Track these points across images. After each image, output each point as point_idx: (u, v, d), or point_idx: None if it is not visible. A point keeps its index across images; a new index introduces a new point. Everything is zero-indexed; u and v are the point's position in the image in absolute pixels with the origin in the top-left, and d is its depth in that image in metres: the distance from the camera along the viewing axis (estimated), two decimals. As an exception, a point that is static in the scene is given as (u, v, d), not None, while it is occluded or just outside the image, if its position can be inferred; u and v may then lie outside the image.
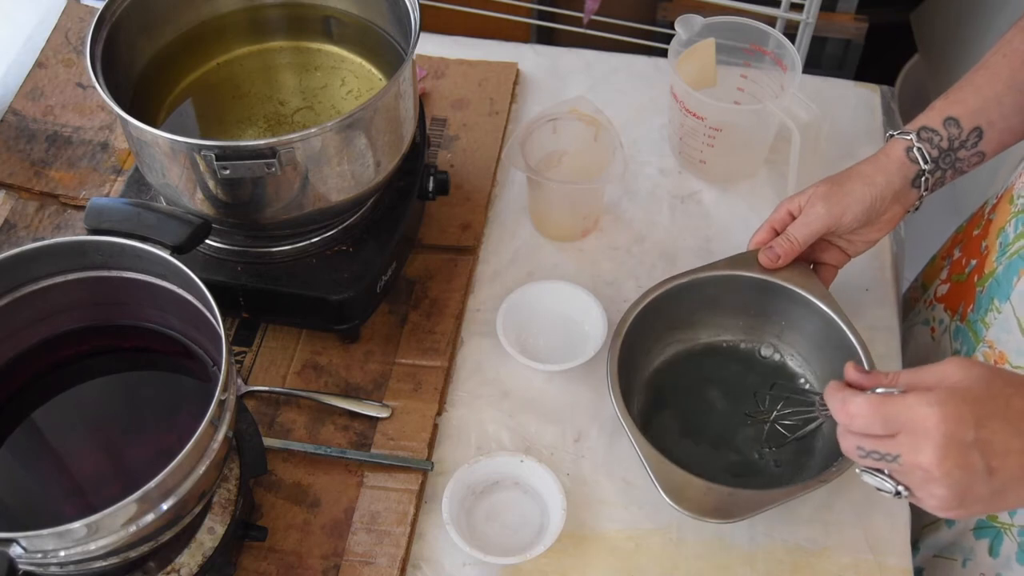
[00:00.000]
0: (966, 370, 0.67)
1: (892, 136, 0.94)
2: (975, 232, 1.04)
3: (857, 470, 0.73)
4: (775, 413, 0.95)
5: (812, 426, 0.93)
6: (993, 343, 0.93)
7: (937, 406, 0.65)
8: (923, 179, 0.93)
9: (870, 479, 0.71)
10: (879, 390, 0.70)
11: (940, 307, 1.06)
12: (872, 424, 0.68)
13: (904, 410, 0.67)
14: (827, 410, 0.74)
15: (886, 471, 0.70)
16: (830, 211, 0.93)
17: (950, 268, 1.07)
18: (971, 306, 0.99)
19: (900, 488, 0.70)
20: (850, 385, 0.73)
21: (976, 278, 0.99)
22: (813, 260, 0.99)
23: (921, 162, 0.92)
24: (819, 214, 0.94)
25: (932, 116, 0.93)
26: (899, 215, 0.95)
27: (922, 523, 1.01)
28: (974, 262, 1.01)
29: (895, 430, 0.68)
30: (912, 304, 1.16)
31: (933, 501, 0.68)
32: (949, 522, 0.98)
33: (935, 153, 0.92)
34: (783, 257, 0.96)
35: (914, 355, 1.08)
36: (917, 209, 0.97)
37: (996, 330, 0.93)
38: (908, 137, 0.93)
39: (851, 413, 0.70)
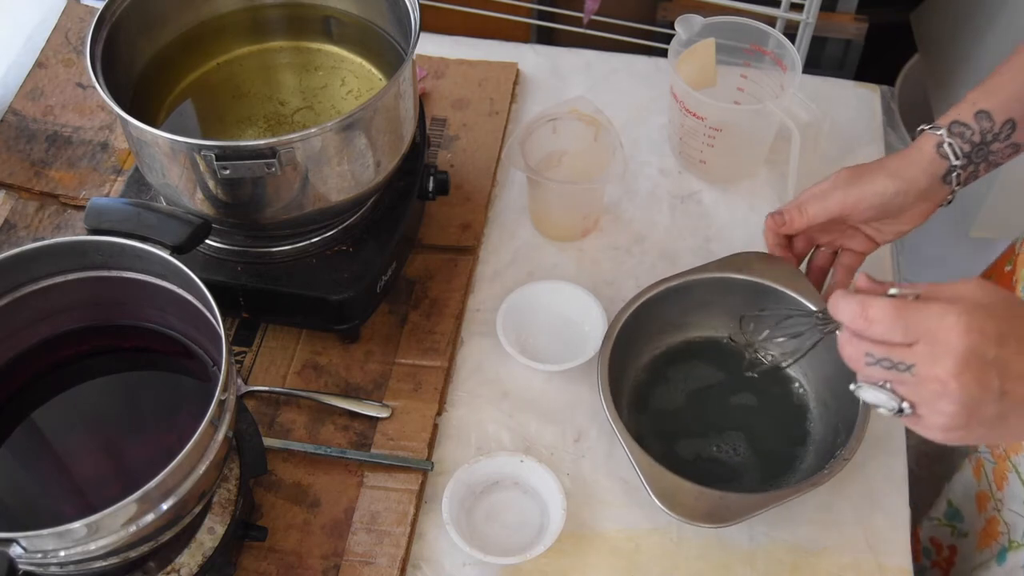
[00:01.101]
0: (986, 290, 0.65)
1: (923, 130, 0.91)
2: (1007, 268, 1.02)
3: (852, 386, 0.69)
4: (760, 338, 0.93)
5: (802, 353, 0.88)
6: None
7: (964, 316, 0.63)
8: (954, 175, 0.90)
9: (868, 394, 0.67)
10: (892, 291, 0.67)
11: None
12: (893, 330, 0.65)
13: (928, 318, 0.64)
14: (826, 326, 0.70)
15: (888, 385, 0.67)
16: (845, 198, 0.92)
17: None
18: None
19: (904, 405, 0.66)
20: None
21: None
22: (840, 246, 0.98)
23: (952, 158, 0.89)
24: (835, 197, 0.92)
25: (964, 109, 0.90)
26: (928, 211, 0.93)
27: (971, 565, 1.00)
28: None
29: (915, 338, 0.64)
30: None
31: (940, 419, 0.65)
32: (1000, 559, 0.96)
33: (967, 148, 0.89)
34: (788, 224, 0.95)
35: None
36: (950, 203, 0.93)
37: None
38: (939, 132, 0.90)
39: (871, 318, 0.65)
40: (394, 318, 1.03)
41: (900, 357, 0.65)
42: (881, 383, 0.67)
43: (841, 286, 0.99)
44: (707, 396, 0.98)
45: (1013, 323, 0.64)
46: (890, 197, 0.91)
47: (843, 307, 0.67)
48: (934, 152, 0.90)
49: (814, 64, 1.91)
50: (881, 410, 0.68)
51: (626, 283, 1.07)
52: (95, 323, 0.86)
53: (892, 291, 0.67)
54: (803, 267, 1.01)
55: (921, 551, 1.10)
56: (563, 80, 1.24)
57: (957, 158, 0.89)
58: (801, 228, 0.95)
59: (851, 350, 0.68)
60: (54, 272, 0.82)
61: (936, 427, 0.66)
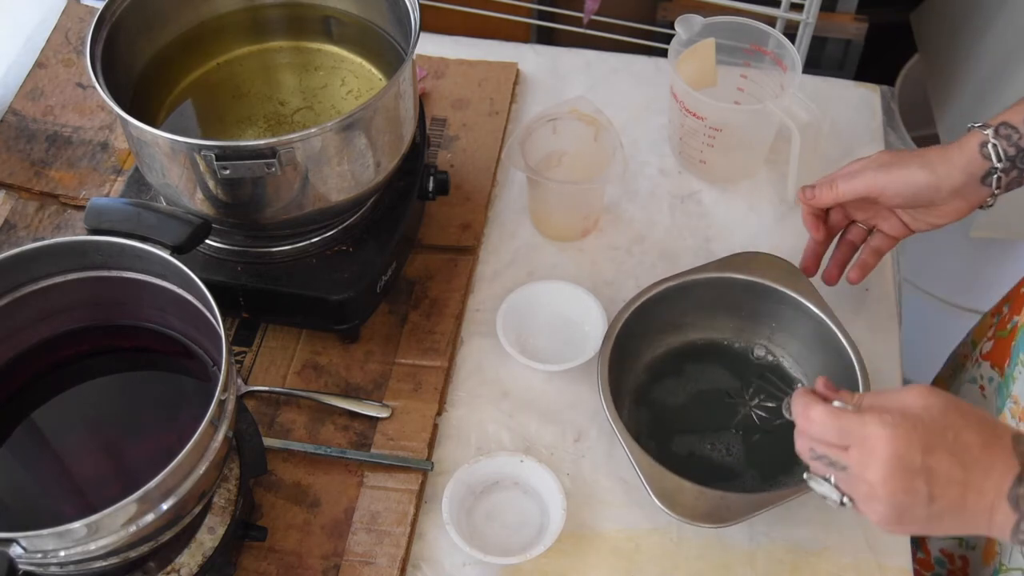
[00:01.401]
0: (925, 398, 0.69)
1: (972, 128, 0.89)
2: (1023, 290, 1.02)
3: (805, 476, 0.75)
4: (755, 400, 0.97)
5: (779, 421, 0.92)
6: (1017, 398, 0.92)
7: (889, 427, 0.67)
8: (995, 177, 0.88)
9: (816, 486, 0.73)
10: (836, 403, 0.72)
11: (986, 364, 1.04)
12: (827, 432, 0.71)
13: (858, 426, 0.69)
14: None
15: (832, 479, 0.72)
16: (875, 180, 0.91)
17: (997, 325, 1.05)
18: (1008, 360, 0.98)
19: (845, 499, 0.72)
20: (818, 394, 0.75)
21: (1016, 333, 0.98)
22: (874, 226, 0.98)
23: (994, 159, 0.87)
24: (866, 177, 0.92)
25: (1015, 113, 0.88)
26: (964, 210, 0.91)
27: None
28: (1017, 319, 0.99)
29: (849, 443, 0.70)
30: (961, 361, 1.13)
31: (874, 516, 0.70)
32: None
33: (1012, 151, 0.87)
34: (816, 199, 0.95)
35: None
36: (990, 206, 0.91)
37: (1020, 384, 0.92)
38: (986, 132, 0.88)
39: (810, 418, 0.72)
40: (394, 318, 1.03)
41: (837, 457, 0.71)
42: (825, 476, 0.73)
43: (866, 266, 1.00)
44: (706, 396, 0.98)
45: (943, 434, 0.67)
46: (920, 188, 0.90)
47: (794, 404, 0.74)
48: (977, 151, 0.88)
49: (814, 64, 1.91)
50: (827, 501, 0.73)
51: (626, 283, 1.07)
52: (95, 323, 0.86)
53: (836, 403, 0.72)
54: (835, 241, 1.02)
55: (933, 562, 1.11)
56: (563, 80, 1.24)
57: (1000, 160, 0.87)
58: (829, 204, 0.96)
59: (799, 444, 0.74)
60: (54, 272, 0.82)
61: (874, 521, 0.70)
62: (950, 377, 1.15)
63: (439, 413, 0.98)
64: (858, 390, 0.91)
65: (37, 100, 1.18)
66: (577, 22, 1.39)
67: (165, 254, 0.80)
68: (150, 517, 0.71)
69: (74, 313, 0.85)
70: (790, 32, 1.26)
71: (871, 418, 0.68)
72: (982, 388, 1.05)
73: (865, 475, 0.68)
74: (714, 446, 0.95)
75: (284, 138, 0.84)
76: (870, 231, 1.00)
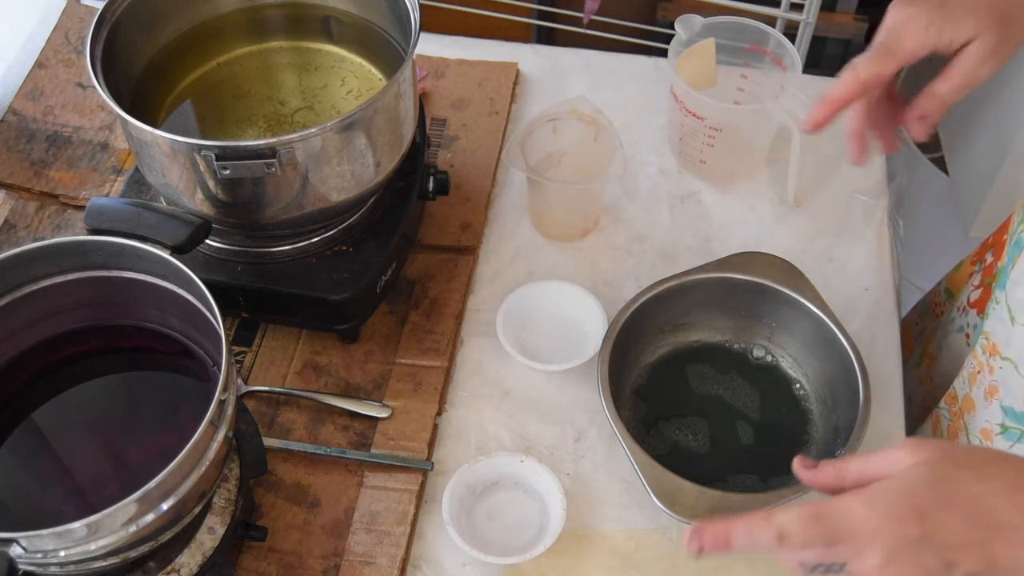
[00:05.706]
0: (917, 454, 0.62)
1: None
2: (1005, 236, 1.02)
3: None
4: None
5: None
6: (989, 334, 0.92)
7: (869, 505, 0.61)
8: None
9: None
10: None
11: (973, 312, 1.05)
12: (812, 540, 0.62)
13: (839, 517, 0.62)
14: None
15: None
16: (959, 86, 0.81)
17: (983, 273, 1.05)
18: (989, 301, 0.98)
19: None
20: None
21: None
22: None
23: None
24: (980, 72, 0.81)
25: None
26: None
27: None
28: (999, 264, 0.99)
29: (836, 538, 0.62)
30: (933, 309, 1.14)
31: None
32: None
33: None
34: (930, 117, 0.82)
35: (949, 363, 1.06)
36: None
37: (993, 320, 0.92)
38: None
39: (782, 533, 0.62)
40: (394, 318, 1.03)
41: (831, 558, 0.63)
42: None
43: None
44: (706, 396, 0.99)
45: (939, 490, 0.61)
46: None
47: (757, 533, 0.64)
48: None
49: (814, 64, 1.91)
50: None
51: (626, 283, 1.07)
52: (95, 323, 0.86)
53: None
54: None
55: None
56: (563, 80, 1.24)
57: None
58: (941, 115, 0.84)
59: (786, 561, 0.66)
60: (54, 272, 0.82)
61: None
62: (916, 322, 1.15)
63: (439, 413, 0.98)
64: (858, 390, 0.91)
65: (37, 100, 1.18)
66: (577, 22, 1.39)
67: (165, 254, 0.79)
68: (150, 517, 0.71)
69: (74, 313, 0.85)
70: (790, 32, 1.27)
71: (850, 501, 0.62)
72: (967, 336, 1.05)
73: (865, 568, 0.61)
74: (714, 446, 0.95)
75: (284, 138, 0.84)
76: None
